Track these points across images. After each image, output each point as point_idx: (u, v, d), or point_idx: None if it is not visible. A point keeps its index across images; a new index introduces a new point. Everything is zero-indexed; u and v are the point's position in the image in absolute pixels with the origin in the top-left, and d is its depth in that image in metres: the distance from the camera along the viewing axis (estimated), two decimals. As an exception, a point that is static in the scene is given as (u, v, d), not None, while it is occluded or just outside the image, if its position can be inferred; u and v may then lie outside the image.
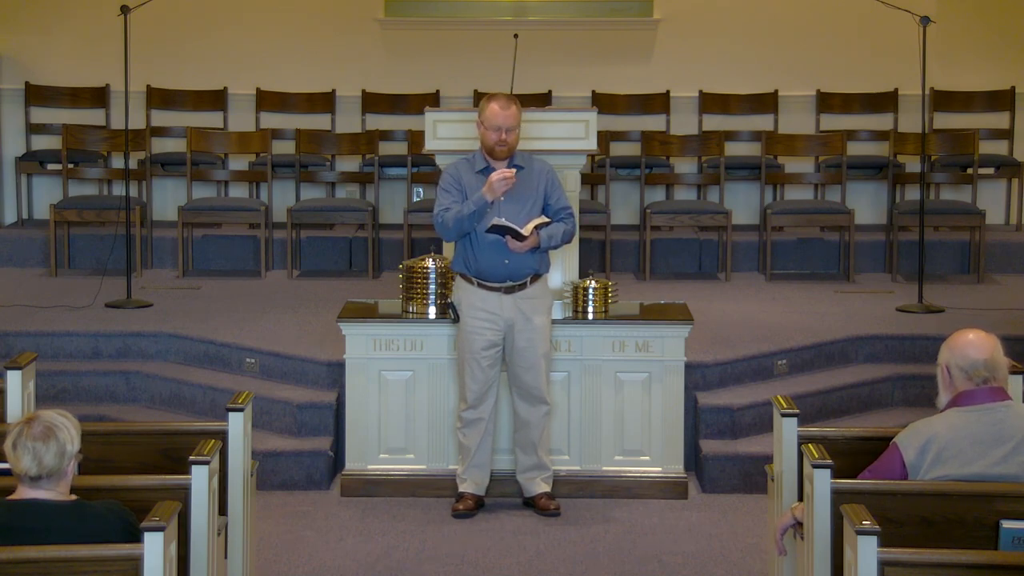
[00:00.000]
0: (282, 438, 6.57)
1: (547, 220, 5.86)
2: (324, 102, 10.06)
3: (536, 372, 5.98)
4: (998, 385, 4.07)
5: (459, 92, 9.86)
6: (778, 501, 4.64)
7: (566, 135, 6.45)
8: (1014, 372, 4.68)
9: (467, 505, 6.04)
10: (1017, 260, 9.16)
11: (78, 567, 3.45)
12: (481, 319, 5.92)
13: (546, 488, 6.11)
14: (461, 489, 6.10)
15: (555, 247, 5.99)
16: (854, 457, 4.34)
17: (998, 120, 9.99)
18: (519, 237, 5.77)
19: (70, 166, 9.42)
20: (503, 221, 5.76)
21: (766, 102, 10.01)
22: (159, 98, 10.00)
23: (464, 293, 5.98)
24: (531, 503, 6.12)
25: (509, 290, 5.92)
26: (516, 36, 8.63)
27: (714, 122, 9.95)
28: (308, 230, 9.26)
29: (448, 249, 6.21)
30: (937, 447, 4.00)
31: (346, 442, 6.36)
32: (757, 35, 10.04)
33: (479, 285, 5.93)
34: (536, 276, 5.97)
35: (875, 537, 3.54)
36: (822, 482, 4.04)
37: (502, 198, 5.84)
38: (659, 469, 6.29)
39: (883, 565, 3.53)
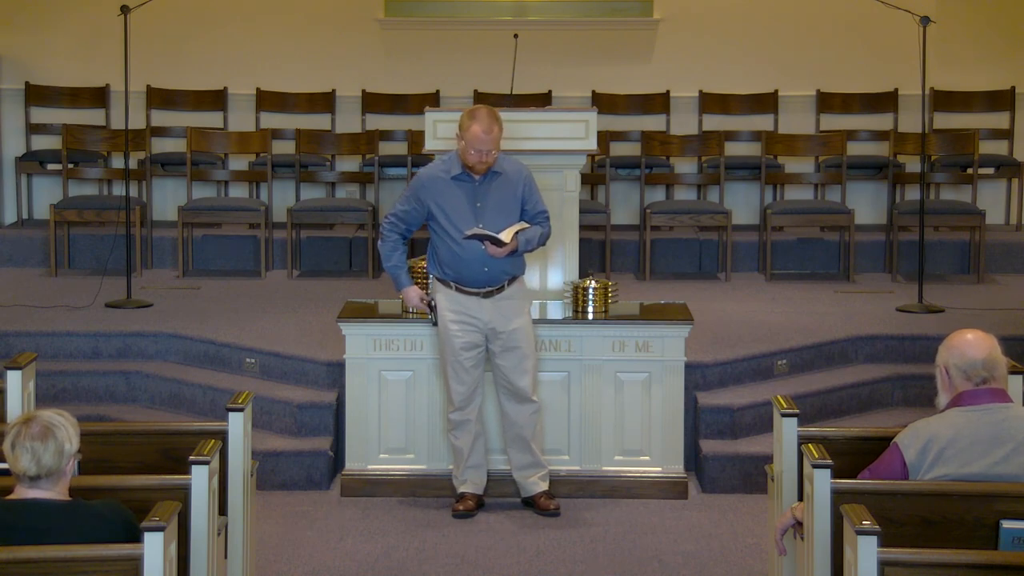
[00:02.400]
0: (282, 438, 6.57)
1: (525, 225, 5.87)
2: (324, 102, 10.06)
3: (521, 371, 5.98)
4: (998, 385, 4.07)
5: (459, 92, 9.86)
6: (778, 501, 4.64)
7: (566, 135, 6.45)
8: (1014, 372, 4.68)
9: (467, 505, 6.04)
10: (1017, 260, 9.17)
11: (78, 567, 3.45)
12: (458, 321, 5.92)
13: (544, 487, 6.11)
14: (461, 490, 6.10)
15: (532, 250, 6.00)
16: (854, 457, 4.34)
17: (998, 120, 9.99)
18: (498, 243, 5.77)
19: (70, 166, 9.42)
20: (481, 229, 5.76)
21: (766, 102, 10.01)
22: (159, 98, 10.01)
23: (441, 296, 5.98)
24: (530, 503, 6.11)
25: (488, 294, 5.93)
26: (516, 36, 8.64)
27: (714, 122, 9.95)
28: (308, 230, 9.26)
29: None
30: (938, 447, 4.00)
31: (346, 442, 6.36)
32: (757, 35, 10.05)
33: (457, 289, 5.93)
34: (513, 279, 5.98)
35: (875, 537, 3.54)
36: (822, 482, 4.04)
37: (482, 224, 5.82)
38: (659, 469, 6.29)
39: (883, 565, 3.53)
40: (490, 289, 5.92)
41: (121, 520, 3.68)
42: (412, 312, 6.30)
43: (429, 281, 6.12)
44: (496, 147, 5.83)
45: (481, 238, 5.77)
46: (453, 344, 5.95)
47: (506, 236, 5.78)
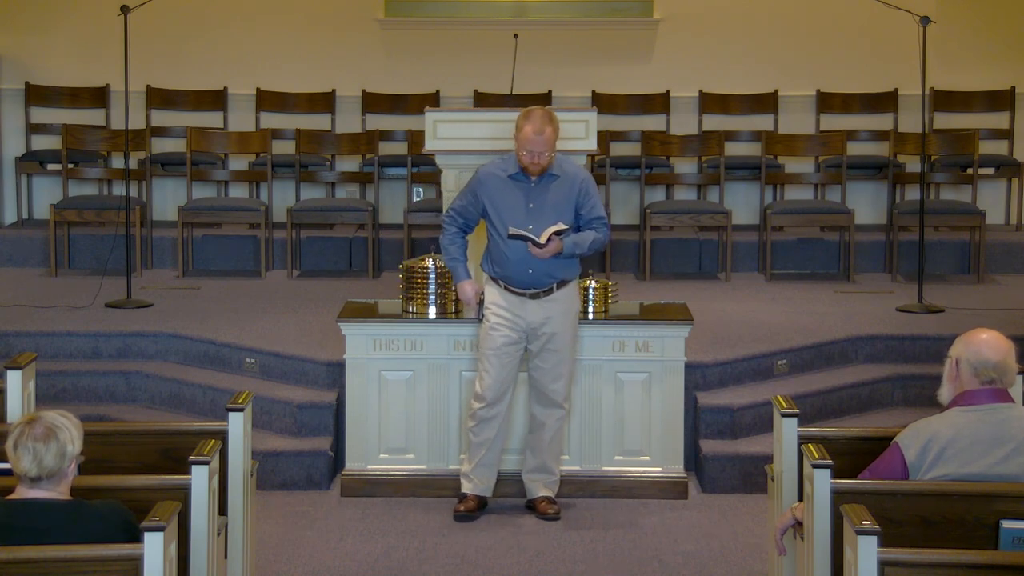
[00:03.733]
0: (282, 438, 6.57)
1: (564, 227, 5.82)
2: (324, 102, 10.06)
3: (555, 376, 5.96)
4: (1002, 387, 4.07)
5: (459, 92, 9.87)
6: (778, 501, 4.64)
7: (566, 135, 6.43)
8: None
9: (469, 507, 6.02)
10: (1017, 260, 9.17)
11: (78, 567, 3.45)
12: (503, 318, 5.90)
13: (547, 492, 6.09)
14: (464, 489, 6.08)
15: (582, 254, 5.93)
16: (854, 457, 4.34)
17: (998, 120, 9.99)
18: (538, 244, 5.75)
19: (70, 166, 9.42)
20: (519, 230, 5.75)
21: (766, 102, 10.01)
22: (159, 98, 10.01)
23: (491, 291, 5.97)
24: (532, 506, 6.11)
25: (534, 296, 5.90)
26: (516, 36, 8.65)
27: (714, 122, 9.95)
28: (308, 230, 9.26)
29: (476, 250, 6.18)
30: (938, 447, 4.00)
31: (346, 442, 6.36)
32: (757, 35, 10.05)
33: (505, 288, 5.92)
34: (563, 283, 5.95)
35: (875, 537, 3.54)
36: (822, 482, 4.04)
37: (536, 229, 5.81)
38: (659, 469, 6.29)
39: (883, 565, 3.53)
40: (536, 291, 5.89)
41: (121, 520, 3.68)
42: (412, 312, 6.30)
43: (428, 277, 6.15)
44: (549, 149, 5.79)
45: (522, 238, 5.76)
46: (495, 341, 5.92)
47: (542, 237, 5.75)
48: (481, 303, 5.99)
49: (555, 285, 5.91)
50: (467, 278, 5.99)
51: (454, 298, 6.25)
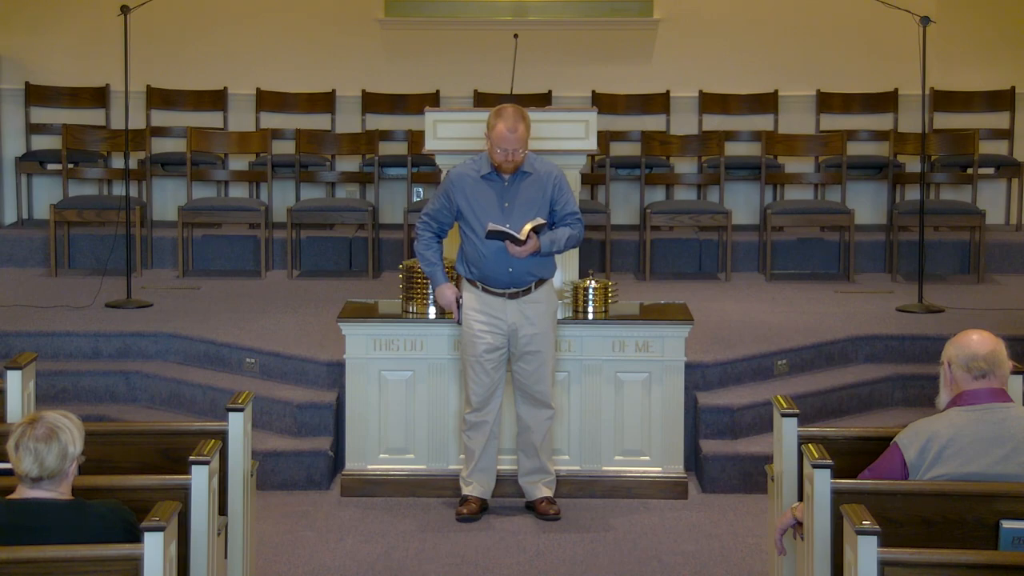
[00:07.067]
0: (282, 438, 6.57)
1: (542, 222, 5.83)
2: (324, 102, 10.06)
3: (540, 376, 5.96)
4: (998, 384, 4.08)
5: (459, 92, 9.87)
6: (778, 501, 4.64)
7: (566, 135, 6.44)
8: (1014, 372, 4.68)
9: (471, 509, 6.01)
10: (1017, 260, 9.17)
11: (78, 567, 3.45)
12: (483, 322, 5.90)
13: (547, 492, 6.09)
14: (465, 492, 6.07)
15: (559, 251, 5.93)
16: (854, 457, 4.34)
17: (998, 120, 9.99)
18: (517, 241, 5.74)
19: (70, 166, 9.43)
20: (498, 226, 5.74)
21: (766, 102, 10.01)
22: (159, 98, 10.01)
23: (468, 295, 5.96)
24: (532, 507, 6.10)
25: (513, 295, 5.90)
26: (516, 36, 8.65)
27: (714, 122, 9.95)
28: (308, 230, 9.26)
29: (450, 250, 6.19)
30: (938, 446, 4.00)
31: (346, 442, 6.36)
32: (757, 35, 10.05)
33: (483, 289, 5.91)
34: (541, 281, 5.95)
35: (875, 537, 3.55)
36: (822, 482, 4.04)
37: (512, 226, 5.79)
38: (659, 469, 6.29)
39: (883, 565, 3.54)
40: (515, 290, 5.89)
41: (121, 520, 3.68)
42: (413, 312, 6.30)
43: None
44: (522, 146, 5.79)
45: (500, 236, 5.75)
46: (476, 345, 5.91)
47: (522, 234, 5.73)
48: (460, 306, 5.98)
49: (533, 284, 5.91)
50: (445, 282, 6.00)
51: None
